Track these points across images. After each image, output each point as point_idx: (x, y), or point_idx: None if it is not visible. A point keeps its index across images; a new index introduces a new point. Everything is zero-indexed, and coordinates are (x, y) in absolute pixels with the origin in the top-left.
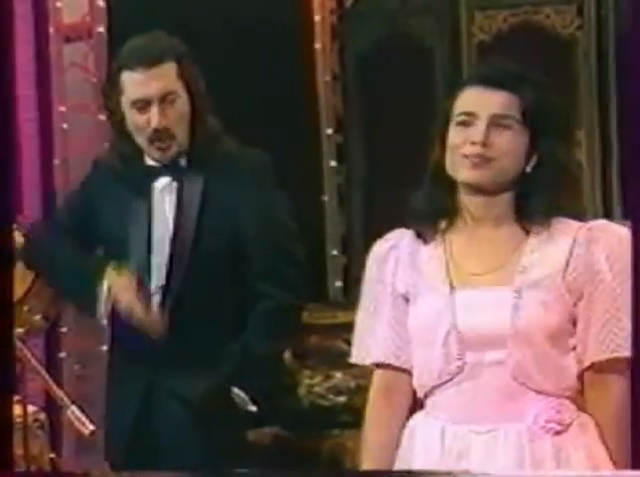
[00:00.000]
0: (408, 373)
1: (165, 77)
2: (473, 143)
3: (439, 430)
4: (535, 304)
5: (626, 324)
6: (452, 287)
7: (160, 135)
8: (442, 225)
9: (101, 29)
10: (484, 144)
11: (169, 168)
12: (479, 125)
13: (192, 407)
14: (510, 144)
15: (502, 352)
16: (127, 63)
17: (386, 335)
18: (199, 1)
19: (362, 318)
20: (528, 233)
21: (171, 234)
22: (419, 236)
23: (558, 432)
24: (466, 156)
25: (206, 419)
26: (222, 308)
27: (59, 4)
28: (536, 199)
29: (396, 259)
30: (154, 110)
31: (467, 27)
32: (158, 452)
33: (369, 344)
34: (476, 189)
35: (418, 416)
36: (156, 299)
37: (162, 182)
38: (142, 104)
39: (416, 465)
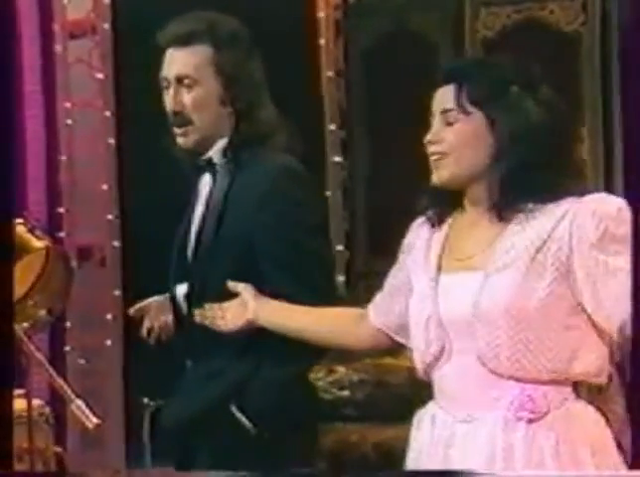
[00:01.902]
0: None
1: (187, 59)
2: (429, 142)
3: (430, 417)
4: (499, 287)
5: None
6: (439, 272)
7: (177, 119)
8: (451, 210)
9: (106, 25)
10: (435, 141)
11: (210, 164)
12: (434, 123)
13: (195, 420)
14: (459, 136)
15: (470, 337)
16: (162, 40)
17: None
18: None
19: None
20: (514, 215)
21: (194, 238)
22: (429, 221)
23: (531, 421)
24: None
25: (208, 429)
26: None
27: (64, 1)
28: (504, 187)
29: (411, 246)
30: (170, 92)
31: (471, 23)
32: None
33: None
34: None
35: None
36: (184, 309)
37: (205, 179)
38: (165, 84)
39: (412, 451)
